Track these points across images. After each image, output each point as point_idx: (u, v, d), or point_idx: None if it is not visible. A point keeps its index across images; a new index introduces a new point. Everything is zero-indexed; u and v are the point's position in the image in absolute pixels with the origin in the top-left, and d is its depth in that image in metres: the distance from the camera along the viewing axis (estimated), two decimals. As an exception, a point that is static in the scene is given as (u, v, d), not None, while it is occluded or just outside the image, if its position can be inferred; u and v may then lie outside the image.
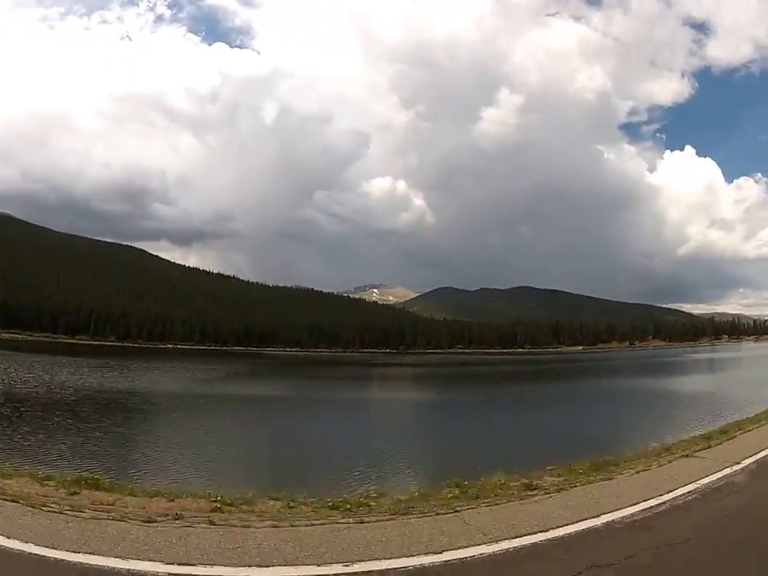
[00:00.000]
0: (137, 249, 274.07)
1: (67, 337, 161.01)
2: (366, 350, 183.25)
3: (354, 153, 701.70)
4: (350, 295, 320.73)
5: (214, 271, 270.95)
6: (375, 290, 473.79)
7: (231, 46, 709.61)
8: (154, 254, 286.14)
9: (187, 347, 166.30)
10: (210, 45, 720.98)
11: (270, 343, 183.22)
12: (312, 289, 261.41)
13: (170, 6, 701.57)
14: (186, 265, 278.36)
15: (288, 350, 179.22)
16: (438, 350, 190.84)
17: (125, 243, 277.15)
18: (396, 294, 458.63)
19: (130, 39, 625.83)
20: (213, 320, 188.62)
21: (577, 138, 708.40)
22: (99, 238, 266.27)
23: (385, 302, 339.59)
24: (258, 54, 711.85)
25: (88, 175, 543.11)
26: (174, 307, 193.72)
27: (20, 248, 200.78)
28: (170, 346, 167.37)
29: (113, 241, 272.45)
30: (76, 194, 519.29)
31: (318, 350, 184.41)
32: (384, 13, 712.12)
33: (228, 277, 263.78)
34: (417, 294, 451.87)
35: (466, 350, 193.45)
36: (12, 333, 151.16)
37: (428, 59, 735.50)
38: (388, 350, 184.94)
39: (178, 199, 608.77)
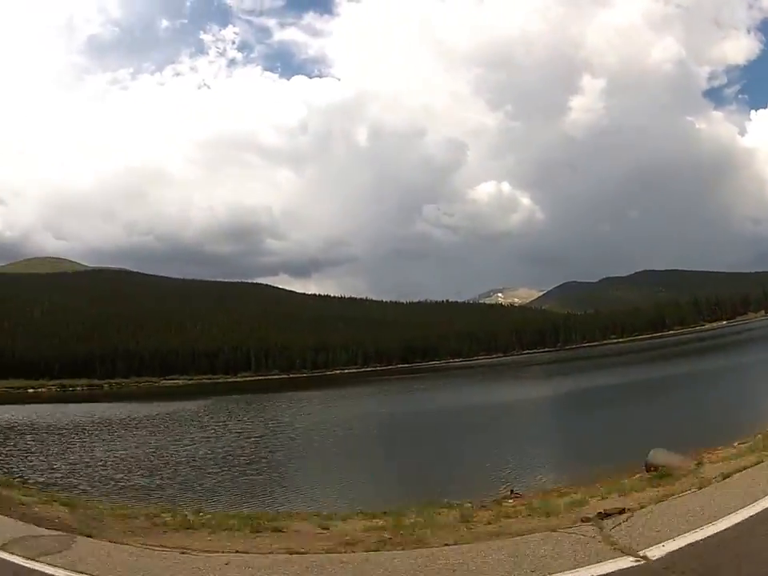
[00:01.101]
0: (263, 284, 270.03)
1: (228, 376, 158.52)
2: (524, 352, 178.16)
3: (454, 162, 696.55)
4: (476, 302, 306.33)
5: (339, 295, 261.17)
6: (500, 295, 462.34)
7: (310, 77, 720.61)
8: (281, 287, 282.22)
9: (354, 371, 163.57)
10: (288, 79, 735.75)
11: (431, 357, 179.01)
12: (446, 300, 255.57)
13: (239, 49, 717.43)
14: (316, 293, 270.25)
15: (452, 361, 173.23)
16: (594, 343, 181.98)
17: (248, 281, 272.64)
18: (520, 296, 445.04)
19: (208, 87, 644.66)
20: (372, 342, 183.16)
21: (665, 113, 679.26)
22: (222, 279, 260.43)
23: (511, 305, 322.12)
24: (339, 80, 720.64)
25: (193, 221, 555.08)
26: (321, 335, 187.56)
27: (148, 298, 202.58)
28: (338, 371, 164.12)
29: (236, 280, 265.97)
30: (185, 241, 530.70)
31: (480, 357, 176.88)
32: (452, 18, 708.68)
33: (361, 299, 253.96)
34: (541, 293, 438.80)
35: (620, 340, 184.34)
36: (170, 379, 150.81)
37: (505, 58, 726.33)
38: (546, 349, 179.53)
39: (289, 232, 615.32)
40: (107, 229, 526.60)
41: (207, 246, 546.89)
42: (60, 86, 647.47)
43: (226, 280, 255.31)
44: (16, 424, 49.88)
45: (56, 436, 39.36)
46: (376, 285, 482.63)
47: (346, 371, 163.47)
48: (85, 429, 44.29)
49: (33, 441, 36.26)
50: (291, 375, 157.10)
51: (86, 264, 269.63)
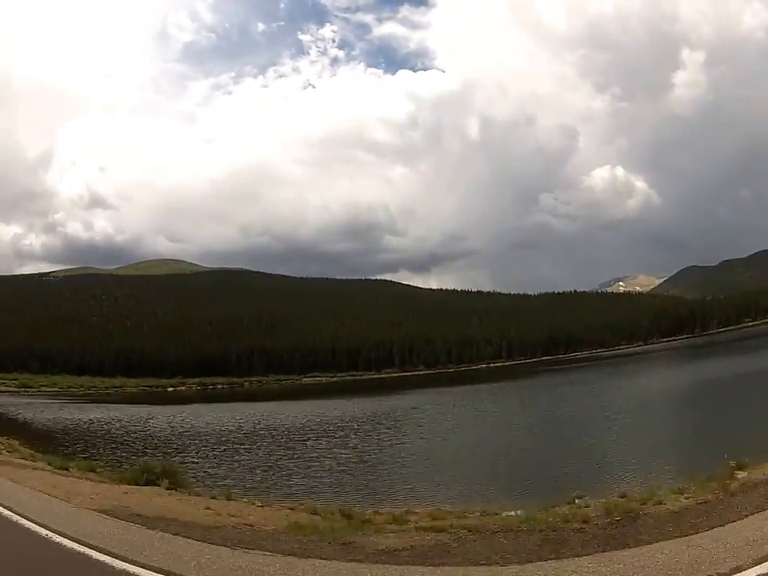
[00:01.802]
0: (388, 280, 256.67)
1: (372, 372, 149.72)
2: (663, 340, 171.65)
3: (566, 148, 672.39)
4: (601, 291, 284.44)
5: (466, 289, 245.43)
6: (621, 283, 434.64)
7: (415, 71, 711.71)
8: (406, 283, 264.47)
9: (499, 365, 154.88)
10: (393, 74, 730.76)
11: (575, 348, 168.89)
12: (574, 290, 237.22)
13: (340, 47, 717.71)
14: (440, 288, 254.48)
15: (595, 351, 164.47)
16: (730, 327, 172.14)
17: (370, 278, 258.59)
18: (641, 283, 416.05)
19: (313, 86, 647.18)
20: (516, 335, 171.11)
21: (765, 82, 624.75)
22: (343, 277, 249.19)
23: (639, 293, 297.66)
24: (443, 72, 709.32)
25: (309, 220, 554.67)
26: (459, 329, 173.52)
27: (272, 296, 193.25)
28: (483, 366, 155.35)
29: (357, 277, 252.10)
30: (301, 240, 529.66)
31: (621, 346, 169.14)
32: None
33: (488, 293, 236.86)
34: (661, 279, 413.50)
35: (755, 322, 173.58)
36: (312, 377, 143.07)
37: (604, 37, 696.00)
38: (685, 336, 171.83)
39: (407, 228, 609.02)
40: (222, 230, 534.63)
41: (325, 245, 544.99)
42: (161, 94, 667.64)
43: (348, 277, 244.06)
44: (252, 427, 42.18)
45: (325, 439, 35.84)
46: (496, 277, 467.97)
47: (492, 365, 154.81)
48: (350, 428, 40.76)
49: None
50: (437, 371, 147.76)
51: (203, 265, 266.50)
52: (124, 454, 28.57)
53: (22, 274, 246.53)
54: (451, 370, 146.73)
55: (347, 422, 44.34)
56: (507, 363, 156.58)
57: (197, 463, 27.01)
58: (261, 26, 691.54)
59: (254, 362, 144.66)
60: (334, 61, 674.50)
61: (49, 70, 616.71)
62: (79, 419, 49.58)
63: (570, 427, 35.76)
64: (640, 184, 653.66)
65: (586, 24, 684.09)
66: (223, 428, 43.73)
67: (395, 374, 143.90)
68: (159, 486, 13.94)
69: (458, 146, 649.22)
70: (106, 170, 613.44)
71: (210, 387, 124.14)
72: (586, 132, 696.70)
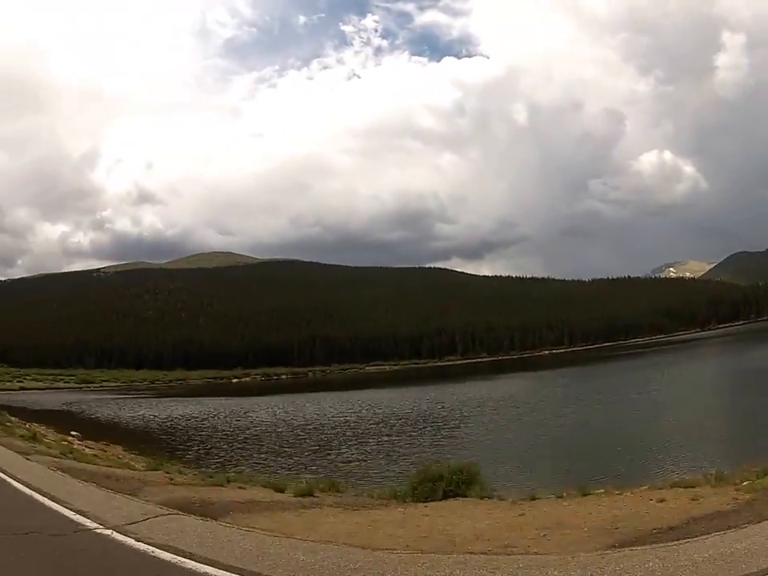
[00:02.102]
0: (442, 268, 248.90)
1: (434, 360, 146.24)
2: (720, 326, 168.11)
3: (613, 133, 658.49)
4: (653, 277, 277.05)
5: (520, 276, 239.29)
6: (671, 269, 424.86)
7: (459, 58, 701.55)
8: (459, 270, 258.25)
9: (561, 351, 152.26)
10: (438, 62, 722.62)
11: (634, 334, 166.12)
12: (627, 276, 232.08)
13: (383, 37, 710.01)
14: (492, 275, 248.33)
15: (655, 337, 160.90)
16: None
17: (423, 266, 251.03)
18: (691, 269, 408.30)
19: (358, 77, 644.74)
20: (577, 321, 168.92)
21: None
22: (396, 266, 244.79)
23: (693, 279, 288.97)
24: (488, 58, 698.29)
25: (360, 210, 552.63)
26: (517, 315, 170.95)
27: (327, 286, 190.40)
28: (545, 352, 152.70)
29: (410, 266, 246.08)
30: (353, 230, 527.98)
31: (680, 333, 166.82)
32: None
33: (543, 279, 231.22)
34: (711, 265, 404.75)
35: None
36: (375, 365, 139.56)
37: (644, 21, 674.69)
38: (741, 322, 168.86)
39: (458, 216, 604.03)
40: (272, 222, 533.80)
41: (376, 234, 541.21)
42: (205, 90, 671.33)
43: (401, 266, 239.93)
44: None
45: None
46: (548, 264, 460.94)
47: (554, 351, 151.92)
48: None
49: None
50: (499, 357, 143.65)
51: (254, 256, 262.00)
52: (268, 456, 24.05)
53: (72, 271, 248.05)
54: (515, 357, 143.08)
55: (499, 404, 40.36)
56: (570, 349, 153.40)
57: (373, 459, 22.71)
58: (302, 19, 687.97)
59: (316, 351, 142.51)
60: (378, 50, 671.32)
61: (90, 71, 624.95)
62: (169, 416, 45.43)
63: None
64: (688, 168, 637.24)
65: (626, 8, 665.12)
66: (343, 417, 39.76)
67: (458, 362, 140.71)
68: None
69: (505, 132, 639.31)
70: (153, 167, 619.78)
71: (274, 377, 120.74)
72: (632, 116, 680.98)
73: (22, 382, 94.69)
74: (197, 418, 43.75)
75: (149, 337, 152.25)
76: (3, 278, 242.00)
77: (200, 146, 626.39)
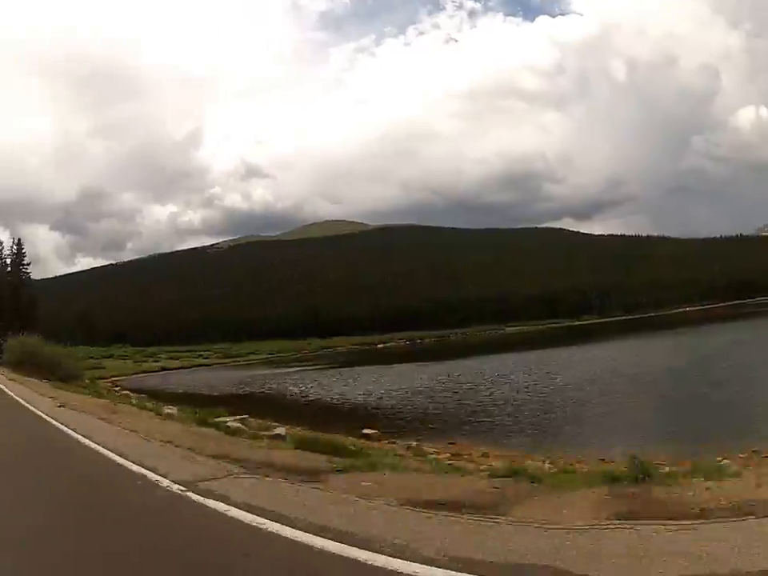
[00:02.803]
0: (556, 228, 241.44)
1: (571, 319, 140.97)
2: None
3: (711, 89, 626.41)
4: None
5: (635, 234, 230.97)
6: None
7: (553, 16, 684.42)
8: (575, 230, 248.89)
9: (696, 309, 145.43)
10: (532, 21, 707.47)
11: (761, 292, 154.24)
12: (739, 235, 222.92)
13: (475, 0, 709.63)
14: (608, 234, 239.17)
15: None
16: None
17: (541, 226, 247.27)
18: None
19: (455, 40, 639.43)
20: (706, 279, 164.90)
21: None
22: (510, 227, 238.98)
23: None
24: (581, 15, 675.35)
25: (467, 173, 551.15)
26: (639, 274, 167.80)
27: (446, 249, 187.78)
28: (686, 309, 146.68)
29: (523, 226, 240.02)
30: (461, 193, 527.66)
31: None
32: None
33: (660, 237, 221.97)
34: None
35: None
36: (512, 326, 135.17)
37: None
38: None
39: (566, 176, 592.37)
40: (382, 189, 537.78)
41: (485, 197, 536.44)
42: (305, 63, 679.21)
43: (513, 227, 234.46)
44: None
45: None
46: (656, 222, 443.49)
47: (689, 309, 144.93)
48: None
49: None
50: (636, 315, 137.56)
51: (368, 223, 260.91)
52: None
53: (185, 249, 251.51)
54: (653, 315, 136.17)
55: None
56: (704, 307, 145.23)
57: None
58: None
59: (448, 314, 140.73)
60: (472, 13, 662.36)
61: (186, 54, 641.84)
62: (406, 389, 38.05)
63: None
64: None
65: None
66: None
67: (595, 321, 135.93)
68: None
69: (605, 89, 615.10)
70: (259, 142, 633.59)
71: (418, 341, 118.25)
72: (727, 71, 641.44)
73: (158, 361, 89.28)
74: (443, 388, 37.48)
75: (274, 307, 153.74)
76: (114, 262, 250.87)
77: (305, 118, 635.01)
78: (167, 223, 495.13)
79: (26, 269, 67.14)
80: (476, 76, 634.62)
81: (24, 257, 66.97)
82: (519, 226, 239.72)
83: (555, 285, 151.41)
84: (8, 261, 65.87)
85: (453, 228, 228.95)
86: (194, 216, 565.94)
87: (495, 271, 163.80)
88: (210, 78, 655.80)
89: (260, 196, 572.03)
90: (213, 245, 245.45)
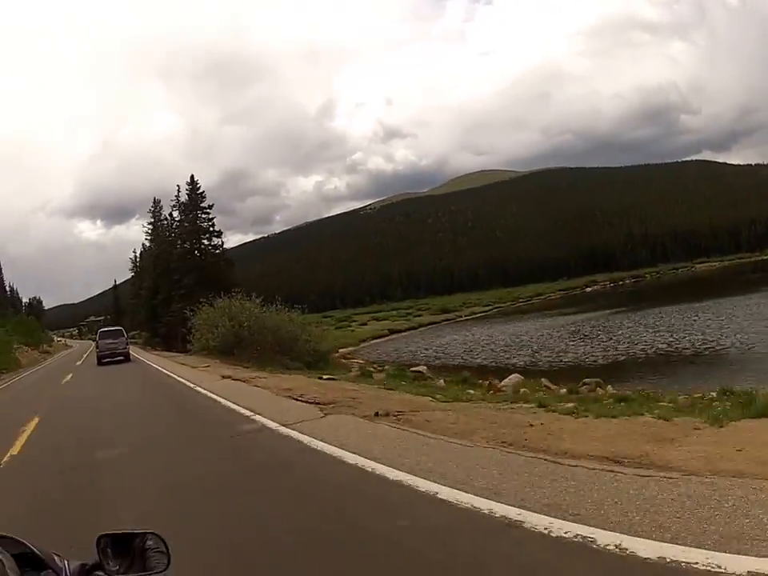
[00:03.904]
0: (703, 161, 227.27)
1: (756, 254, 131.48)
2: None
3: None
4: None
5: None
6: None
7: None
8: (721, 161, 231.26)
9: None
10: None
11: None
12: None
13: None
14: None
15: None
16: None
17: (687, 159, 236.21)
18: None
19: None
20: None
21: None
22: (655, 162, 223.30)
23: None
24: None
25: (605, 111, 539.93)
26: None
27: (602, 189, 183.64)
28: None
29: (665, 161, 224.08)
30: (602, 133, 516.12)
31: None
32: None
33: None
34: None
35: None
36: (702, 262, 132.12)
37: None
38: None
39: (701, 106, 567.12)
40: (523, 136, 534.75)
41: (625, 135, 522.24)
42: (424, 20, 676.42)
43: (660, 162, 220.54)
44: None
45: None
46: None
47: None
48: None
49: None
50: None
51: (516, 170, 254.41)
52: None
53: (336, 214, 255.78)
54: None
55: None
56: None
57: None
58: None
59: (638, 253, 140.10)
60: None
61: (308, 28, 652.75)
62: None
63: None
64: None
65: None
66: None
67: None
68: None
69: (723, 14, 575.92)
70: (392, 103, 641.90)
71: (619, 283, 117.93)
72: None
73: (420, 316, 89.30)
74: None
75: (450, 260, 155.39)
76: (264, 235, 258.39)
77: (434, 73, 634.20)
78: (314, 193, 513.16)
79: (209, 212, 51.25)
80: (596, 12, 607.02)
81: (203, 198, 51.51)
82: (663, 161, 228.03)
83: (729, 218, 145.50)
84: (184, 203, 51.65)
85: (604, 167, 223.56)
86: (339, 183, 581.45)
87: (665, 208, 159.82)
88: (333, 48, 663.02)
89: (402, 156, 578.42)
90: (365, 206, 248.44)
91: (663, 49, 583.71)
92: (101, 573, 1.28)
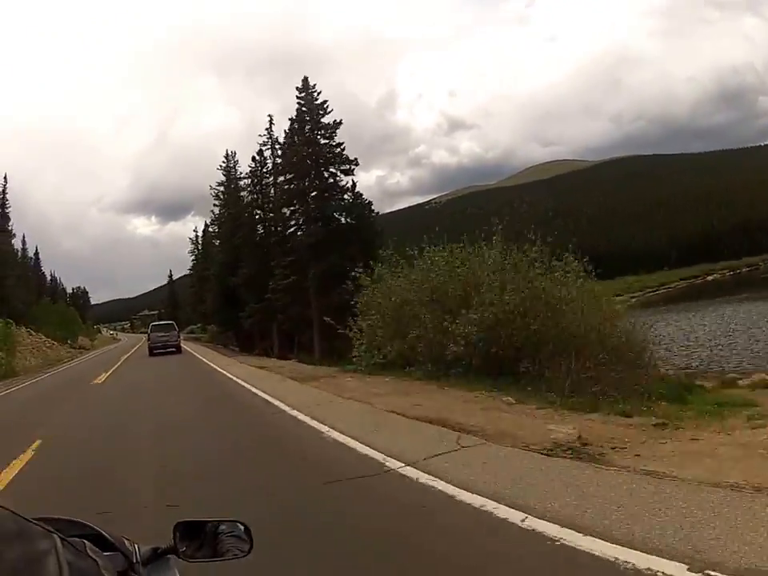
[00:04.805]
0: None
1: None
2: None
3: None
4: None
5: None
6: None
7: None
8: None
9: None
10: None
11: None
12: None
13: None
14: None
15: None
16: None
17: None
18: None
19: None
20: None
21: None
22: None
23: None
24: None
25: (679, 96, 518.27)
26: None
27: (682, 176, 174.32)
28: None
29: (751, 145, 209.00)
30: (676, 118, 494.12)
31: None
32: None
33: None
34: None
35: None
36: None
37: None
38: None
39: None
40: (593, 125, 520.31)
41: (700, 119, 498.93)
42: (483, 6, 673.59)
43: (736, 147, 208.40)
44: None
45: None
46: None
47: None
48: None
49: None
50: None
51: (589, 160, 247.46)
52: None
53: (399, 209, 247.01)
54: None
55: None
56: None
57: None
58: None
59: (739, 241, 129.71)
60: None
61: (368, 19, 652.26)
62: None
63: None
64: None
65: None
66: None
67: None
68: None
69: None
70: (455, 94, 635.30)
71: (737, 272, 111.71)
72: None
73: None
74: None
75: None
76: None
77: (497, 62, 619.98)
78: (375, 187, 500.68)
79: (342, 147, 34.25)
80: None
81: (325, 111, 34.48)
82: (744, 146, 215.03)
83: None
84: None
85: (682, 153, 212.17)
86: (401, 177, 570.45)
87: (750, 194, 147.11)
88: (393, 38, 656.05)
89: (467, 148, 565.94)
90: (431, 200, 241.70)
91: (735, 26, 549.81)
92: (173, 556, 1.28)
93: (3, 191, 52.48)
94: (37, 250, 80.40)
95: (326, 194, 33.34)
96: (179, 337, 34.29)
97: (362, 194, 34.33)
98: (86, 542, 0.87)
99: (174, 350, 32.08)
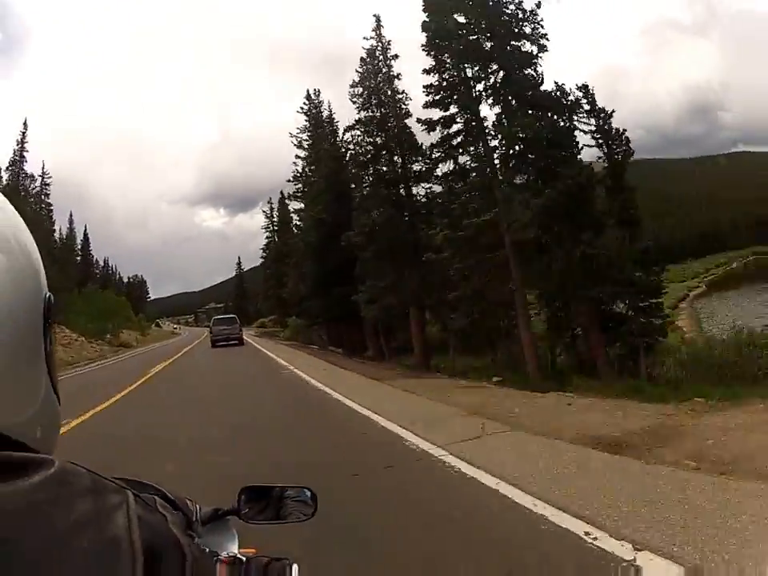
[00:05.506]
0: None
1: None
2: None
3: None
4: None
5: None
6: None
7: None
8: None
9: None
10: None
11: None
12: None
13: None
14: None
15: None
16: None
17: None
18: None
19: None
20: None
21: None
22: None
23: None
24: None
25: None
26: None
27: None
28: None
29: None
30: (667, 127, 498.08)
31: None
32: None
33: None
34: None
35: None
36: None
37: None
38: None
39: None
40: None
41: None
42: None
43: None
44: None
45: None
46: None
47: None
48: None
49: None
50: None
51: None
52: None
53: None
54: None
55: None
56: None
57: None
58: None
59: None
60: None
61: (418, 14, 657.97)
62: None
63: None
64: None
65: None
66: None
67: None
68: None
69: None
70: None
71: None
72: None
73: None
74: None
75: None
76: None
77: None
78: None
79: None
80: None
81: None
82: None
83: None
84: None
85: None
86: None
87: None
88: None
89: None
90: None
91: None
92: (233, 517, 1.25)
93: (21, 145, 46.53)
94: (86, 230, 73.40)
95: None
96: (241, 330, 34.92)
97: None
98: (156, 497, 0.88)
99: (235, 341, 32.45)
